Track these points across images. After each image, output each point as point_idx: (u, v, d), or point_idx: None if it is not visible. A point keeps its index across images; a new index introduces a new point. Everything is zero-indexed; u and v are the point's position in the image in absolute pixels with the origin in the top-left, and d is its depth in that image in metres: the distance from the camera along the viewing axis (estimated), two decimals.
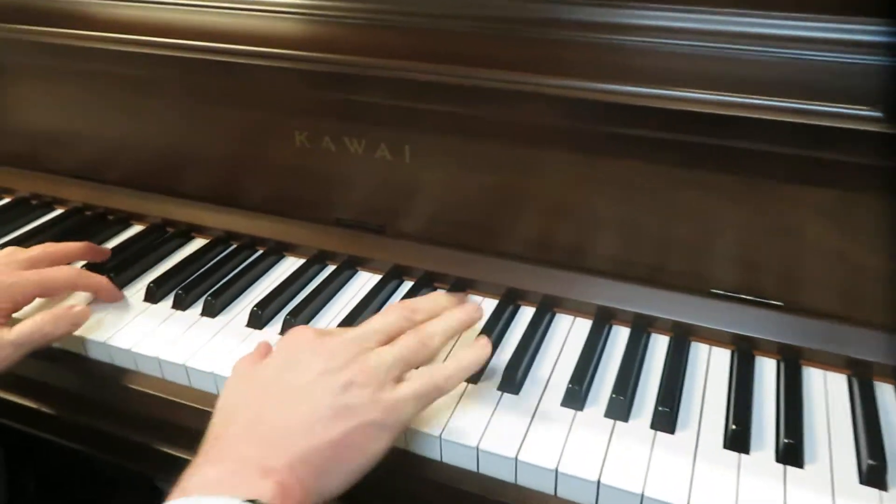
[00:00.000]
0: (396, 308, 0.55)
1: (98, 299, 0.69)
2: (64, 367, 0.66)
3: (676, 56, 0.61)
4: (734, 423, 0.53)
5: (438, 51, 0.64)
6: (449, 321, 0.55)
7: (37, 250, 0.68)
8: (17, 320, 0.61)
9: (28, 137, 0.87)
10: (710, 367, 0.60)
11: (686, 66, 0.60)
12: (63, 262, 0.69)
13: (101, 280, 0.68)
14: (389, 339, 0.53)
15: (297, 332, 0.53)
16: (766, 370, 0.60)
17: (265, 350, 0.54)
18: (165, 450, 0.62)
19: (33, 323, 0.60)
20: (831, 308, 0.59)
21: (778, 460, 0.51)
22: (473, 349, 0.54)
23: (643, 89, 0.57)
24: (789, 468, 0.50)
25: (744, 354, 0.61)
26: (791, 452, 0.51)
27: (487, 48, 0.65)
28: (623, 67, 0.61)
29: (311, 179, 0.74)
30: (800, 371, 0.59)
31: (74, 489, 0.73)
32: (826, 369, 0.59)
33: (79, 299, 0.69)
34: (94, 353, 0.65)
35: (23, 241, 0.78)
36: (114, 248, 0.77)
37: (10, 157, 0.89)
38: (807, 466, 0.51)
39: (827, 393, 0.57)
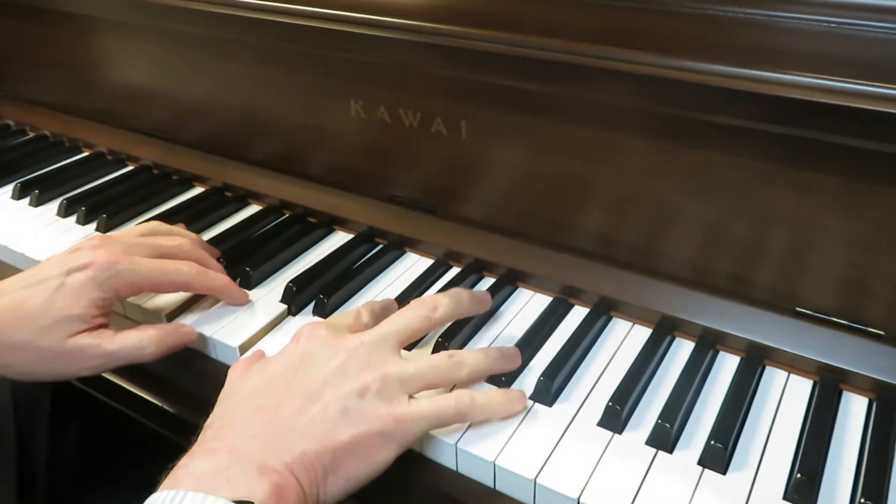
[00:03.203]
0: (415, 306, 0.52)
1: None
2: None
3: (789, 32, 0.52)
4: (800, 471, 0.44)
5: (500, 15, 0.58)
6: (485, 359, 0.51)
7: (176, 242, 0.60)
8: (121, 319, 0.58)
9: (111, 94, 0.88)
10: (785, 398, 0.52)
11: (799, 44, 0.51)
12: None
13: (222, 280, 0.59)
14: (408, 341, 0.51)
15: (312, 328, 0.50)
16: (854, 409, 0.51)
17: (261, 357, 0.52)
18: None
19: (137, 338, 0.54)
20: None
21: None
22: (510, 401, 0.49)
23: (738, 70, 0.49)
24: None
25: (829, 387, 0.52)
26: None
27: (556, 14, 0.58)
28: (719, 43, 0.52)
29: (366, 152, 0.71)
30: None
31: (112, 445, 0.75)
32: None
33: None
34: None
35: (93, 195, 0.79)
36: (174, 208, 0.77)
37: (94, 113, 0.91)
38: None
39: None
